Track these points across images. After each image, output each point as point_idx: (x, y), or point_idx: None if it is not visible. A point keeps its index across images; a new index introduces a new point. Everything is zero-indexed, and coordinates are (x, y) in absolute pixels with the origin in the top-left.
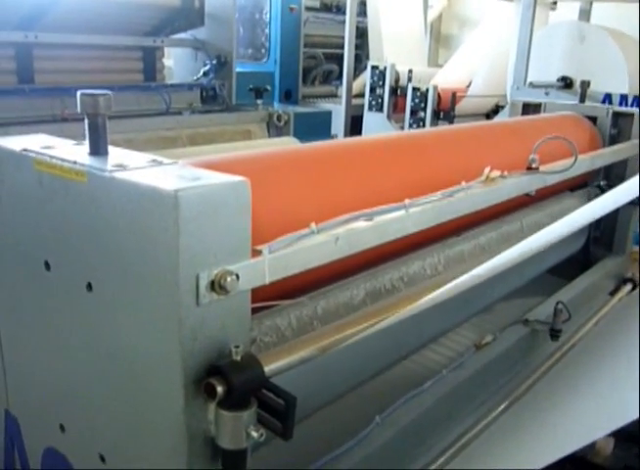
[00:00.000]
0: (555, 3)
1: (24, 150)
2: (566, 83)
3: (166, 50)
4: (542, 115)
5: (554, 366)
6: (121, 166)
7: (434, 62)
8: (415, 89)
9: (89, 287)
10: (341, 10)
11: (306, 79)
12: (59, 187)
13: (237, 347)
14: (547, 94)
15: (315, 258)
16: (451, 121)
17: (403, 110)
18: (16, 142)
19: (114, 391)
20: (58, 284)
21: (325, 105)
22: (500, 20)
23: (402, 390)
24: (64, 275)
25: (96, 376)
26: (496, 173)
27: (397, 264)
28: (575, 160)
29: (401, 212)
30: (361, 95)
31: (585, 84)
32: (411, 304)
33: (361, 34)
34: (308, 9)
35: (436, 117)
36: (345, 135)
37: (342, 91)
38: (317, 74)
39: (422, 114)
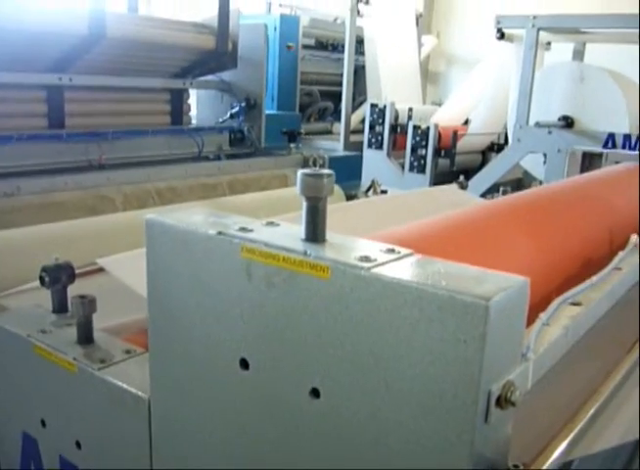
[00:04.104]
0: (549, 43)
1: (221, 233)
2: (567, 123)
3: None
4: (614, 167)
5: None
6: (368, 261)
7: (423, 99)
8: (415, 127)
9: (314, 393)
10: (336, 48)
11: (302, 116)
12: (278, 280)
13: (516, 466)
14: (550, 133)
15: (553, 354)
16: (452, 159)
17: (402, 147)
18: (181, 219)
19: None
20: (258, 385)
21: (322, 143)
22: (499, 59)
23: None
24: (270, 377)
25: None
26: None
27: None
28: None
29: (596, 292)
30: (355, 132)
31: None
32: None
33: (354, 71)
34: (305, 47)
35: (437, 154)
36: None
37: (341, 129)
38: (313, 112)
39: (422, 151)
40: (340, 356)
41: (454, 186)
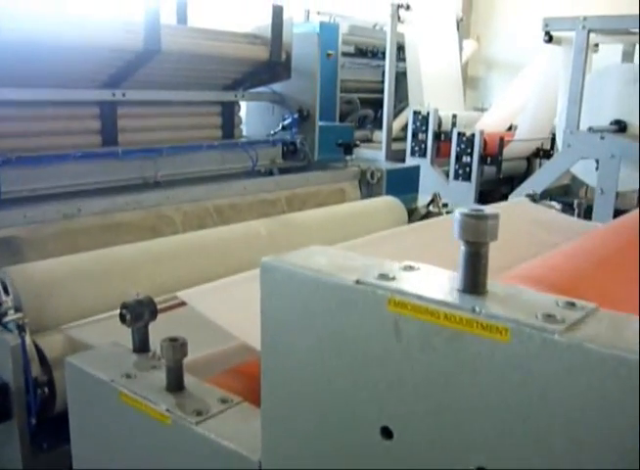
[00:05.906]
0: (597, 45)
1: (360, 282)
2: (620, 127)
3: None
4: None
5: None
6: (555, 321)
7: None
8: (460, 134)
9: None
10: (375, 55)
11: None
12: (438, 340)
13: None
14: (602, 138)
15: None
16: (499, 166)
17: (445, 155)
18: (303, 263)
19: None
20: (405, 459)
21: (364, 151)
22: (544, 63)
23: None
24: (420, 451)
25: None
26: None
27: None
28: None
29: None
30: (395, 139)
31: None
32: None
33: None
34: (344, 54)
35: (483, 162)
36: None
37: (382, 137)
38: (353, 120)
39: (467, 159)
40: (516, 433)
41: (525, 199)
